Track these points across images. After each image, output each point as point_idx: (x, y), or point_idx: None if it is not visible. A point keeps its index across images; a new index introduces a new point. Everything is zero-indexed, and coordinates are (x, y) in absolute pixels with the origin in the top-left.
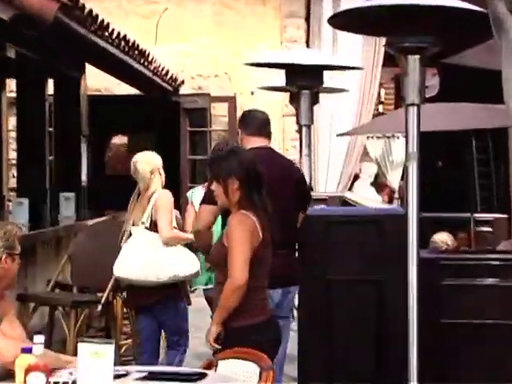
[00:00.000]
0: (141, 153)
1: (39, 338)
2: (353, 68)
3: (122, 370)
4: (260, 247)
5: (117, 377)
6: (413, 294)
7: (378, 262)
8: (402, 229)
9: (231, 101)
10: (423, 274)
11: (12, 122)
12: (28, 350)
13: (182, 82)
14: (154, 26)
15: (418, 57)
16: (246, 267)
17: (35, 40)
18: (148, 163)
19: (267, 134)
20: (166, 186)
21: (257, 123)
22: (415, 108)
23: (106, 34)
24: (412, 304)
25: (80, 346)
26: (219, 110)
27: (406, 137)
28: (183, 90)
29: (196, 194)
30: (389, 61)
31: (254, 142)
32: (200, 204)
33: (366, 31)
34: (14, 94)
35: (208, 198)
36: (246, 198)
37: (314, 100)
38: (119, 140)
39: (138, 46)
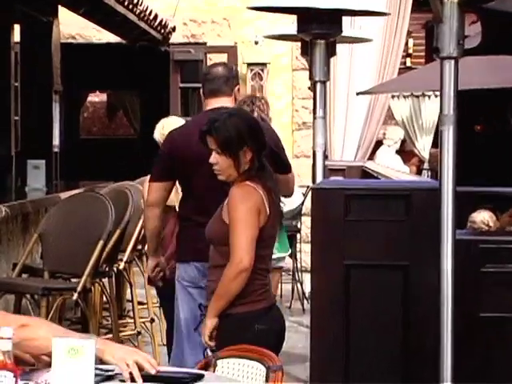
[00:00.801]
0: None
1: (6, 332)
2: (379, 14)
3: (104, 369)
4: (266, 225)
5: (101, 379)
6: (447, 282)
7: (406, 245)
8: (434, 205)
9: (231, 51)
10: (459, 259)
11: None
12: None
13: (173, 29)
14: None
15: (456, 0)
16: (252, 248)
17: None
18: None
19: (229, 92)
20: (153, 153)
21: (216, 81)
22: (452, 62)
23: None
24: (446, 295)
25: (55, 341)
26: None
27: (441, 96)
28: (174, 39)
29: None
30: (418, 5)
31: (214, 104)
32: (149, 181)
33: None
34: None
35: (159, 175)
36: (255, 169)
37: (331, 51)
38: (97, 97)
39: None
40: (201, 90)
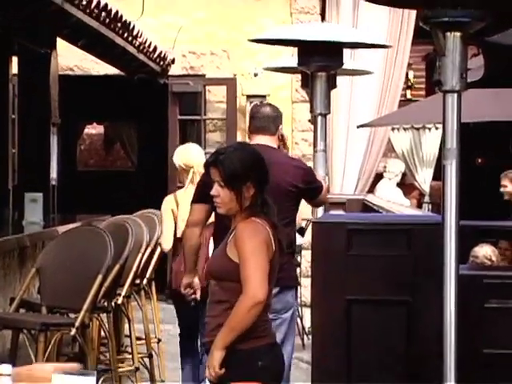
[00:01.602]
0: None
1: (5, 369)
2: (380, 46)
3: None
4: (272, 261)
5: None
6: (450, 318)
7: (408, 280)
8: (436, 240)
9: (230, 83)
10: (463, 294)
11: None
12: None
13: (172, 61)
14: None
15: (458, 34)
16: (266, 281)
17: None
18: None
19: (273, 131)
20: (151, 185)
21: (262, 119)
22: (455, 95)
23: (84, 2)
24: (449, 331)
25: (54, 377)
26: (216, 95)
27: (444, 130)
28: (173, 71)
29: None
30: (418, 37)
31: (258, 140)
32: (191, 203)
33: (398, 3)
34: None
35: (199, 197)
36: (258, 205)
37: (332, 84)
38: (94, 129)
39: (121, 17)
40: (246, 126)
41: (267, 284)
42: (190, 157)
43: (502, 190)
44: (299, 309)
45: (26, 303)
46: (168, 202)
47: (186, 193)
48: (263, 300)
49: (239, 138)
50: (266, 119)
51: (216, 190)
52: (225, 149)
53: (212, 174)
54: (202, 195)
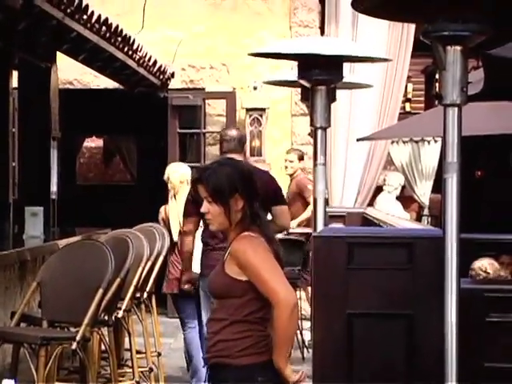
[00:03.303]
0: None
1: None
2: (380, 60)
3: None
4: None
5: None
6: (451, 332)
7: (409, 293)
8: (437, 253)
9: (230, 97)
10: (464, 307)
11: None
12: None
13: (172, 75)
14: (140, 10)
15: (459, 48)
16: (287, 281)
17: None
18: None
19: (240, 150)
20: (150, 199)
21: (231, 141)
22: (456, 109)
23: (85, 17)
24: (450, 345)
25: None
26: (215, 108)
27: (444, 144)
28: (173, 84)
29: None
30: (417, 50)
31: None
32: (183, 216)
33: (397, 17)
34: None
35: (189, 212)
36: (252, 219)
37: (332, 97)
38: (93, 143)
39: (121, 31)
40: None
41: (288, 284)
42: (168, 174)
43: None
44: (299, 322)
45: (26, 317)
46: (160, 212)
47: (171, 206)
48: (296, 300)
49: None
50: (234, 140)
51: (205, 206)
52: (210, 164)
53: (200, 191)
54: (191, 210)
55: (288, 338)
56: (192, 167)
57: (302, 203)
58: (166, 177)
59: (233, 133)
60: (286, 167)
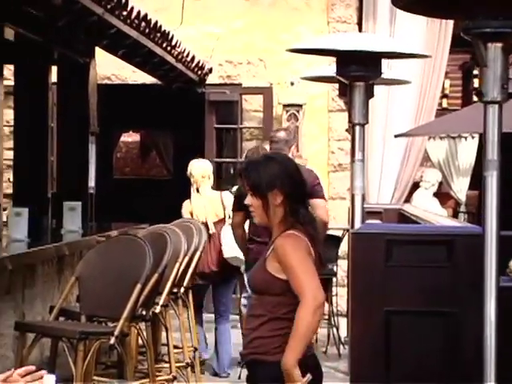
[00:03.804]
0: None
1: (50, 379)
2: (419, 56)
3: None
4: None
5: None
6: (490, 330)
7: (448, 291)
8: (476, 251)
9: (267, 92)
10: (503, 306)
11: (8, 115)
12: None
13: (210, 71)
14: (179, 5)
15: (500, 45)
16: (320, 284)
17: (37, 20)
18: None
19: (286, 151)
20: (186, 194)
21: (278, 142)
22: (496, 106)
23: (124, 13)
24: (489, 343)
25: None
26: (252, 104)
27: (485, 142)
28: (210, 80)
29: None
30: (455, 46)
31: None
32: (232, 211)
33: (437, 13)
34: (11, 82)
35: (236, 206)
36: (292, 215)
37: (370, 94)
38: (130, 137)
39: (160, 27)
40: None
41: (321, 286)
42: (191, 170)
43: None
44: (335, 318)
45: (65, 312)
46: (184, 206)
47: (194, 200)
48: (323, 301)
49: None
50: (281, 142)
51: (248, 199)
52: (259, 158)
53: (244, 184)
54: (238, 205)
55: (306, 336)
56: (229, 162)
57: None
58: (188, 172)
59: (280, 134)
60: None
